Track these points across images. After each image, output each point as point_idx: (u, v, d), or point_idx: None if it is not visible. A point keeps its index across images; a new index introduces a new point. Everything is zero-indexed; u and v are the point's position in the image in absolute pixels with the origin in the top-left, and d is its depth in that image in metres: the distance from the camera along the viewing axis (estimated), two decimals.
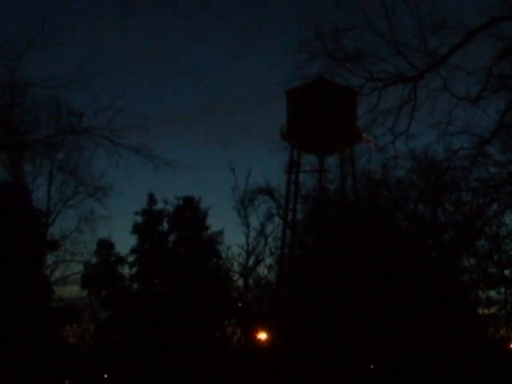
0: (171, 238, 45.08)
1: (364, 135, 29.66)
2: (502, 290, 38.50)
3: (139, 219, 44.87)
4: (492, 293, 38.60)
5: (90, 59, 29.78)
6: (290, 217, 50.86)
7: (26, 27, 28.33)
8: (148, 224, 44.77)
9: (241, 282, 42.50)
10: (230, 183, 43.24)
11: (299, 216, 49.49)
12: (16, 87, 29.69)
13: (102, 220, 41.29)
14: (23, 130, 32.09)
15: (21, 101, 30.85)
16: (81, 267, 42.86)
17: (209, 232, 44.88)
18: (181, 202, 45.07)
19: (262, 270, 42.35)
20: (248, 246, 42.03)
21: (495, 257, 37.35)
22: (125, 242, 57.35)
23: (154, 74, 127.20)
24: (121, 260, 44.79)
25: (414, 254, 39.15)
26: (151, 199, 44.97)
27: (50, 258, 41.07)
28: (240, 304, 41.99)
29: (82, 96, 29.70)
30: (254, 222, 42.81)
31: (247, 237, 42.11)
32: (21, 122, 32.12)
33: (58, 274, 41.31)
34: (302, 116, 55.61)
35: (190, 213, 44.94)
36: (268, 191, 44.50)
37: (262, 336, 40.62)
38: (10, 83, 29.15)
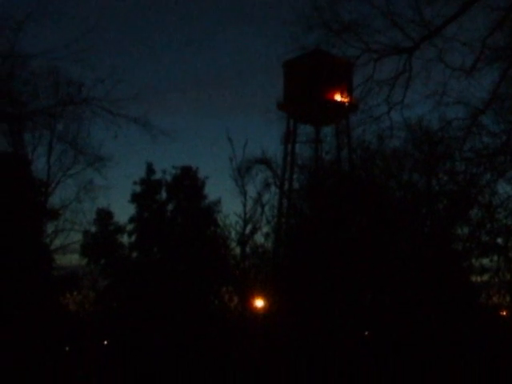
0: (169, 207, 45.38)
1: None
2: (495, 257, 38.99)
3: (138, 189, 45.16)
4: (485, 261, 39.11)
5: (89, 30, 30.04)
6: (286, 186, 51.36)
7: None
8: (146, 193, 45.05)
9: (238, 250, 43.15)
10: (228, 153, 43.79)
11: (295, 185, 49.95)
12: (16, 58, 29.92)
13: (101, 189, 41.69)
14: (23, 100, 32.34)
15: (20, 71, 31.11)
16: (80, 236, 43.29)
17: (206, 201, 45.17)
18: (179, 172, 45.32)
19: (259, 238, 42.97)
20: (245, 214, 42.66)
21: (488, 225, 37.77)
22: (124, 212, 57.71)
23: (152, 45, 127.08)
24: (120, 229, 45.10)
25: (408, 223, 39.68)
26: (149, 169, 45.21)
27: (49, 227, 41.45)
28: (237, 271, 42.60)
29: (81, 67, 29.98)
30: (251, 191, 43.40)
31: (244, 206, 42.76)
32: (20, 92, 32.34)
33: (57, 242, 41.70)
34: (298, 86, 55.87)
35: (188, 182, 45.21)
36: (265, 161, 44.97)
37: (259, 303, 41.23)
38: (10, 54, 29.39)
